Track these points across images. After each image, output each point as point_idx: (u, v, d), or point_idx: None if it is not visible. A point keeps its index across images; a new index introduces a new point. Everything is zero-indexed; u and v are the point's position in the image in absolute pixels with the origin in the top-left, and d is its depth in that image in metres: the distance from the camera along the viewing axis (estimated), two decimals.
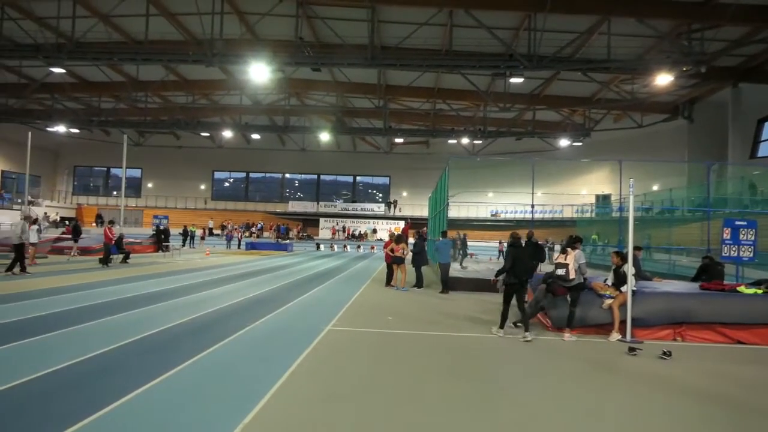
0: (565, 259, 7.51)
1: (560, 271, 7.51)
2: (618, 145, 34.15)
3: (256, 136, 44.28)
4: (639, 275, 8.73)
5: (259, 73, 21.84)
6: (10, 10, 20.42)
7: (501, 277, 7.74)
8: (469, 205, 38.90)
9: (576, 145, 36.87)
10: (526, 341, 7.33)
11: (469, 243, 29.97)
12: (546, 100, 30.41)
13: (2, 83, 28.82)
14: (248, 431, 3.88)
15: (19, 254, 13.83)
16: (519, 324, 8.28)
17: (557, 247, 25.81)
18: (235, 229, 42.85)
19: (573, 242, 7.66)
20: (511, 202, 31.40)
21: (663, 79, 21.16)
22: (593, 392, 5.31)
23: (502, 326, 7.85)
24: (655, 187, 30.11)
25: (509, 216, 39.56)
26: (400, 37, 20.56)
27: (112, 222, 18.61)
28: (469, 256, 28.16)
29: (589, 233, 26.74)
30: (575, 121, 34.80)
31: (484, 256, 29.19)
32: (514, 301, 7.81)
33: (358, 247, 39.26)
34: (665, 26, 19.69)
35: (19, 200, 35.61)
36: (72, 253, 21.12)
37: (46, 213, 41.41)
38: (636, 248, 10.53)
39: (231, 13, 20.55)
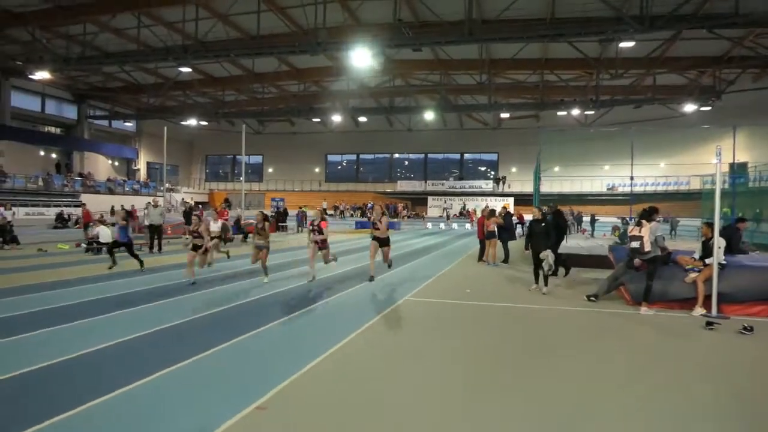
0: (640, 232, 7.27)
1: (634, 244, 7.28)
2: (756, 107, 30.41)
3: (363, 119, 45.72)
4: (736, 248, 8.14)
5: (361, 57, 22.60)
6: (145, 18, 23.24)
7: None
8: (582, 179, 37.08)
9: (704, 110, 33.28)
10: (542, 293, 9.04)
11: (584, 219, 28.63)
12: (667, 63, 27.86)
13: (143, 84, 32.81)
14: (297, 382, 4.45)
15: (152, 235, 15.67)
16: (593, 298, 8.23)
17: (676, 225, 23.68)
18: (347, 209, 45.03)
19: (649, 214, 7.37)
20: (618, 175, 29.45)
21: None
22: (653, 364, 5.25)
23: (536, 282, 9.43)
24: None
25: (627, 189, 37.13)
26: (499, 9, 20.12)
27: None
28: (581, 233, 26.90)
29: (720, 206, 24.34)
30: (704, 83, 31.49)
31: (598, 231, 27.55)
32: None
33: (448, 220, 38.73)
34: None
35: (161, 188, 40.40)
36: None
37: (183, 198, 46.54)
38: (740, 220, 9.78)
39: (333, 2, 21.49)
